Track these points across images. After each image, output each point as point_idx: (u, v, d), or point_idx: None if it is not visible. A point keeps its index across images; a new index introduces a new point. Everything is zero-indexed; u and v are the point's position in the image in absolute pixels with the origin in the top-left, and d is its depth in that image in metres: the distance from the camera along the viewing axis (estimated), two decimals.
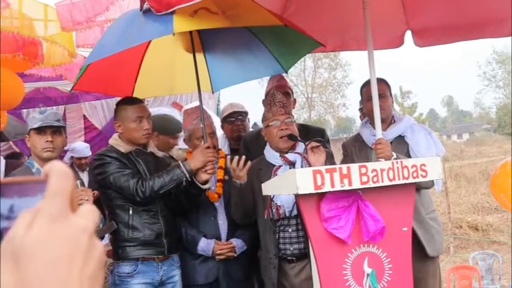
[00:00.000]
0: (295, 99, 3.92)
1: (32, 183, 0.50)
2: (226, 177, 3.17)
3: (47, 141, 2.73)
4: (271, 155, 3.01)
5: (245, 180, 2.91)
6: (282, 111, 2.95)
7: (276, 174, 2.89)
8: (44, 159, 2.74)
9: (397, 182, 2.38)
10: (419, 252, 3.05)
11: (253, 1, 2.81)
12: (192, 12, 2.50)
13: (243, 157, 2.88)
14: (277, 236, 2.91)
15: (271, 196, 2.83)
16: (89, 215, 0.49)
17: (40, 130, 2.73)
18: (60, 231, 0.46)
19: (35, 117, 2.77)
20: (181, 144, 3.97)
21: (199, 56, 3.43)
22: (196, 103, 3.39)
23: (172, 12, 2.45)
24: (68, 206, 0.47)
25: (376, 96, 2.90)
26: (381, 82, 3.23)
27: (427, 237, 3.14)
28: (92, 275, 0.47)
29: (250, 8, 2.81)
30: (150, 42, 3.27)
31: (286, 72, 3.57)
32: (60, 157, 3.46)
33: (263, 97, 3.69)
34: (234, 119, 4.12)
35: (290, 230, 2.90)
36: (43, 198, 0.47)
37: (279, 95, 3.04)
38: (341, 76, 34.80)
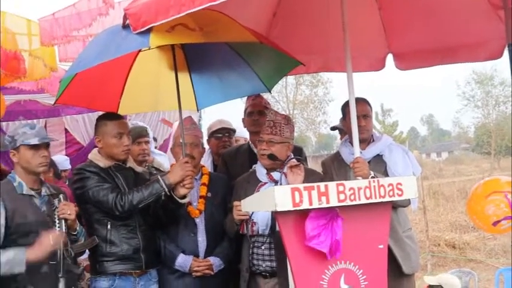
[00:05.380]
0: None
1: None
2: (209, 194, 3.20)
3: (44, 156, 2.74)
4: (259, 171, 3.10)
5: None
6: (267, 131, 3.03)
7: (259, 191, 2.93)
8: (37, 174, 2.78)
9: (373, 200, 2.42)
10: (395, 269, 3.10)
11: (230, 18, 2.87)
12: (170, 28, 2.54)
13: None
14: (250, 251, 2.98)
15: (251, 212, 2.86)
16: None
17: (36, 145, 2.72)
18: None
19: (26, 132, 2.71)
20: None
21: (185, 75, 3.47)
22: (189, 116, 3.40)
23: (150, 29, 2.49)
24: None
25: (354, 116, 2.96)
26: (364, 103, 3.30)
27: (403, 255, 3.19)
28: None
29: (227, 25, 2.87)
30: (135, 58, 3.29)
31: (270, 92, 3.62)
32: None
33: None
34: (222, 135, 4.17)
35: (263, 247, 2.97)
36: None
37: (272, 115, 3.12)
38: (322, 93, 34.96)
